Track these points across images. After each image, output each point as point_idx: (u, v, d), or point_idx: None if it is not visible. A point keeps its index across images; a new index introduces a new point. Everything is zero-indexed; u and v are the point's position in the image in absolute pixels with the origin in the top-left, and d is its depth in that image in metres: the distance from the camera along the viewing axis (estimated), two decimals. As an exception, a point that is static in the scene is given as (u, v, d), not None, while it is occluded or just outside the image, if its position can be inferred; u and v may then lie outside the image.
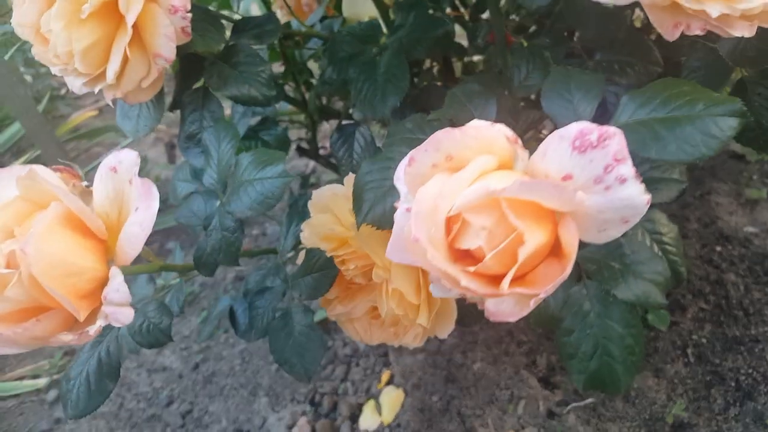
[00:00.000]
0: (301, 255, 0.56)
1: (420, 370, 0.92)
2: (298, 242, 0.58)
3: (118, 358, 0.48)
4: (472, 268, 0.30)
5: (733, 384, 0.80)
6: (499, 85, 0.55)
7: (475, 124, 0.32)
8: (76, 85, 0.48)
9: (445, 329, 0.54)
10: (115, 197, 0.39)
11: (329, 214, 0.54)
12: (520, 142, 0.33)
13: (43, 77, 1.92)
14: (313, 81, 0.85)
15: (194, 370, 1.03)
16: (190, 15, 0.45)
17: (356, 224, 0.45)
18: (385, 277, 0.49)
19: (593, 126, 0.29)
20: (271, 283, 0.57)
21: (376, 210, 0.44)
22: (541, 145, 0.32)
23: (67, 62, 0.45)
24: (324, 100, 0.88)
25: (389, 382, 0.91)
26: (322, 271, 0.52)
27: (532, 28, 0.69)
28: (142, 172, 0.37)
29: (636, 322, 0.40)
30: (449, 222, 0.31)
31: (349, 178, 0.53)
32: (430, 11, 0.64)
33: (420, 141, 0.47)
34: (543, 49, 0.57)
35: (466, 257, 0.32)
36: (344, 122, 0.65)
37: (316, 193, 0.54)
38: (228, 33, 0.54)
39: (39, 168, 0.38)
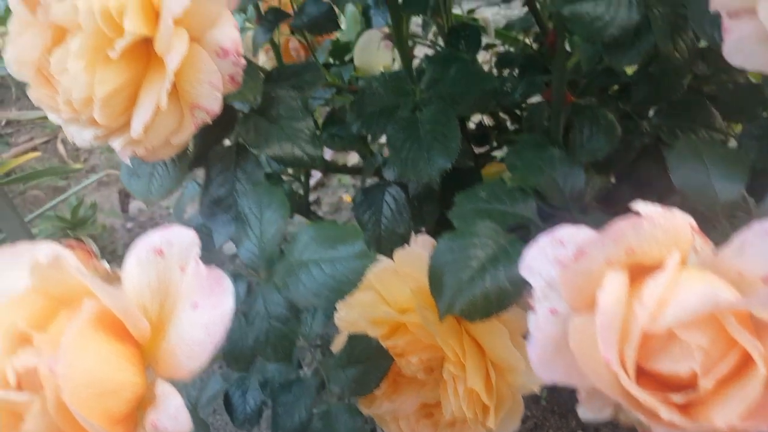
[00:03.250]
0: (338, 339, 0.48)
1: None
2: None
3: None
4: (678, 397, 0.24)
5: None
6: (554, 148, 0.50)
7: (660, 211, 0.26)
8: (84, 137, 0.39)
9: (509, 430, 0.47)
10: (158, 288, 0.30)
11: (372, 292, 0.46)
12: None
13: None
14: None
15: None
16: (243, 61, 0.37)
17: (439, 314, 0.37)
18: (458, 374, 0.41)
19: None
20: (299, 374, 0.48)
21: (462, 297, 0.37)
22: (736, 238, 0.26)
23: (82, 110, 0.36)
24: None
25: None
26: (372, 361, 0.44)
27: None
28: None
29: None
30: (645, 338, 0.24)
31: (400, 254, 0.46)
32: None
33: (502, 213, 0.41)
34: (602, 109, 0.52)
35: (651, 380, 0.25)
36: (369, 182, 0.58)
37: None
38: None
39: (63, 252, 0.29)
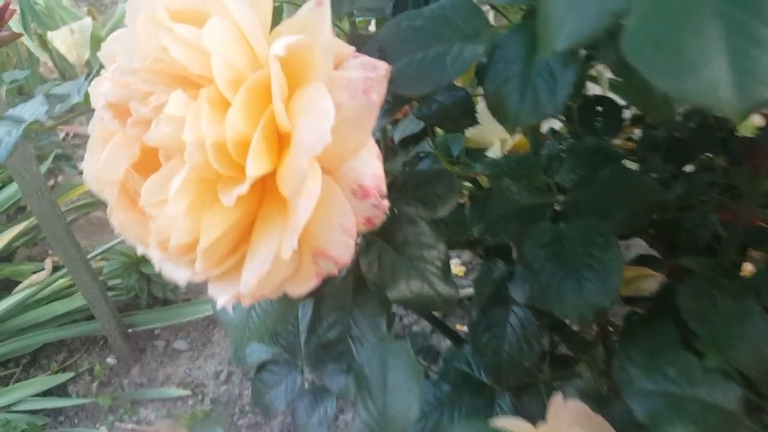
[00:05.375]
0: None
1: None
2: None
3: None
4: None
5: None
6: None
7: None
8: (177, 277, 0.31)
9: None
10: None
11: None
12: None
13: (50, 130, 1.74)
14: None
15: None
16: (386, 204, 0.28)
17: None
18: None
19: None
20: None
21: None
22: None
23: (180, 256, 0.28)
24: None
25: None
26: None
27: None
28: None
29: None
30: None
31: None
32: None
33: (704, 406, 0.31)
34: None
35: None
36: (492, 301, 0.49)
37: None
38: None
39: None
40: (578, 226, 0.44)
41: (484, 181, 0.51)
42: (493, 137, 0.64)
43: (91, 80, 0.42)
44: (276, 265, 0.28)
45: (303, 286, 0.30)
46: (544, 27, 0.25)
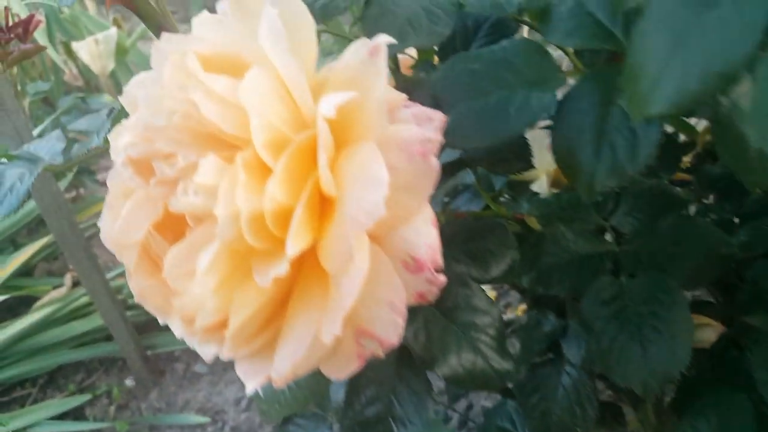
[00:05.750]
0: None
1: None
2: None
3: None
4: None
5: None
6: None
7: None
8: (205, 353, 0.28)
9: None
10: None
11: None
12: None
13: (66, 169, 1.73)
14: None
15: None
16: (442, 279, 0.25)
17: None
18: None
19: None
20: None
21: None
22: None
23: (206, 336, 0.25)
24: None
25: None
26: None
27: None
28: None
29: None
30: None
31: None
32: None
33: None
34: None
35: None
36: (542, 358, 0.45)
37: None
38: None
39: None
40: (641, 281, 0.40)
41: (532, 222, 0.48)
42: (539, 174, 0.60)
43: (113, 118, 0.39)
44: (313, 348, 0.25)
45: (342, 368, 0.26)
46: (635, 85, 0.21)
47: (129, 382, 1.19)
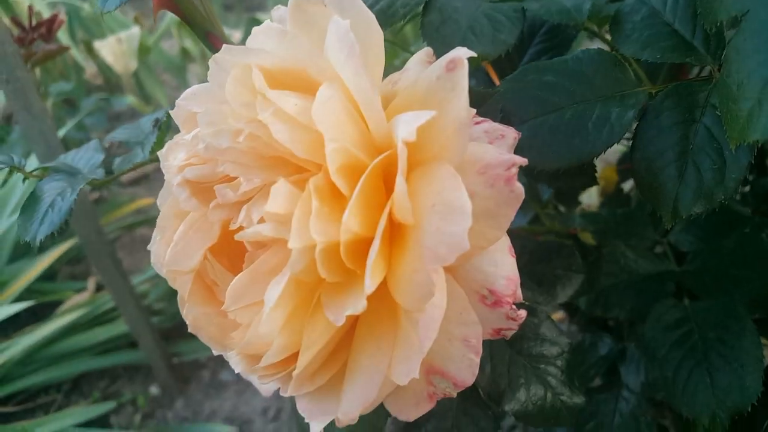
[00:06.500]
0: None
1: None
2: None
3: None
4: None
5: None
6: None
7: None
8: (265, 389, 0.26)
9: None
10: None
11: None
12: None
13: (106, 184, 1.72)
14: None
15: None
16: (523, 314, 0.23)
17: None
18: None
19: None
20: None
21: None
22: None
23: (270, 373, 0.23)
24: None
25: None
26: None
27: None
28: None
29: None
30: None
31: None
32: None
33: None
34: None
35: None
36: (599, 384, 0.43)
37: None
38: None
39: None
40: (707, 305, 0.38)
41: (586, 237, 0.46)
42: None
43: (158, 128, 0.38)
44: (384, 389, 0.23)
45: (411, 408, 0.24)
46: (734, 108, 0.19)
47: (154, 389, 1.18)
